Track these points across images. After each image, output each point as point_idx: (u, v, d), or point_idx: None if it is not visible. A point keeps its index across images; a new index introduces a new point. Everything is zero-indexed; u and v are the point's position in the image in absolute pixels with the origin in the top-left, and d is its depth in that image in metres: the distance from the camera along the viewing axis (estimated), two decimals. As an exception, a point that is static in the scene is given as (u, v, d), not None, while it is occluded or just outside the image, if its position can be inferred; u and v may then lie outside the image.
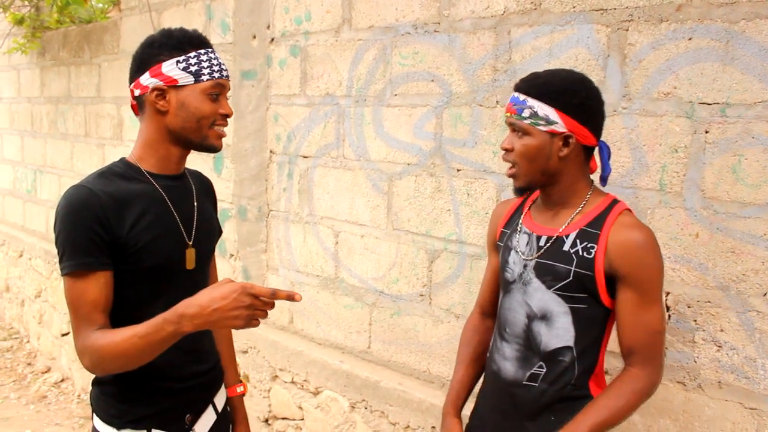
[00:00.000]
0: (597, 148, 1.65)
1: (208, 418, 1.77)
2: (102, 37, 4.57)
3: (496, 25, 2.29)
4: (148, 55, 1.59)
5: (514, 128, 1.61)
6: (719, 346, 1.87)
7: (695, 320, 1.90)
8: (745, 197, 1.79)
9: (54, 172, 5.32)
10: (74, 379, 4.93)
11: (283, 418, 3.16)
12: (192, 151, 1.69)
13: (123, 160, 1.65)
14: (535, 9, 2.18)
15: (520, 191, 1.67)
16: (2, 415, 4.46)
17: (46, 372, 5.25)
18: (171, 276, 1.63)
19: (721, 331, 1.86)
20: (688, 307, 1.91)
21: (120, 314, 1.55)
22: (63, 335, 5.09)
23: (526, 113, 1.58)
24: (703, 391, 1.90)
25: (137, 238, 1.54)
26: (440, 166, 2.51)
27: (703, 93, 1.84)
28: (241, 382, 1.98)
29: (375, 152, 2.75)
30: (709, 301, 1.88)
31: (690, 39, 1.85)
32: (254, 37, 3.26)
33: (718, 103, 1.82)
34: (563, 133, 1.56)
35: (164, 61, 1.56)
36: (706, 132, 1.85)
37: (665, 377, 1.94)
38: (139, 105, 1.63)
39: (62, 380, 5.06)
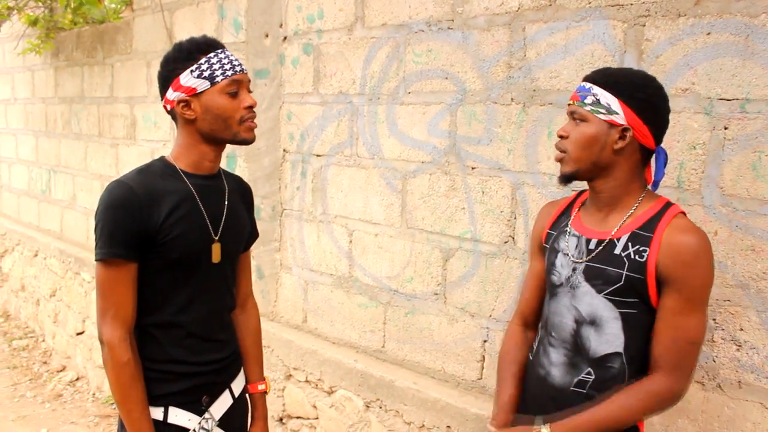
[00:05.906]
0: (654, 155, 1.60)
1: (225, 401, 1.87)
2: (115, 37, 4.59)
3: (510, 22, 2.27)
4: (167, 72, 1.72)
5: (574, 116, 1.58)
6: (739, 346, 1.84)
7: (714, 319, 1.88)
8: (766, 194, 1.77)
9: (68, 172, 5.36)
10: (89, 377, 4.96)
11: (298, 417, 3.16)
12: (227, 145, 1.81)
13: (162, 159, 1.79)
14: (550, 5, 2.16)
15: (565, 179, 1.61)
16: (19, 414, 4.50)
17: (61, 371, 5.29)
18: (197, 267, 1.76)
19: (741, 330, 1.84)
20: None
21: (148, 297, 1.71)
22: (78, 334, 5.12)
23: (588, 100, 1.55)
24: (723, 390, 1.88)
25: (168, 231, 1.67)
26: (455, 164, 2.50)
27: (722, 89, 1.82)
28: (263, 380, 2.06)
29: (389, 150, 2.74)
30: (728, 300, 1.85)
31: (708, 34, 1.83)
32: (267, 35, 3.26)
33: (737, 99, 1.79)
34: (622, 125, 1.52)
35: (180, 73, 1.69)
36: (725, 128, 1.82)
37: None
38: (173, 117, 1.77)
39: (77, 379, 5.09)
